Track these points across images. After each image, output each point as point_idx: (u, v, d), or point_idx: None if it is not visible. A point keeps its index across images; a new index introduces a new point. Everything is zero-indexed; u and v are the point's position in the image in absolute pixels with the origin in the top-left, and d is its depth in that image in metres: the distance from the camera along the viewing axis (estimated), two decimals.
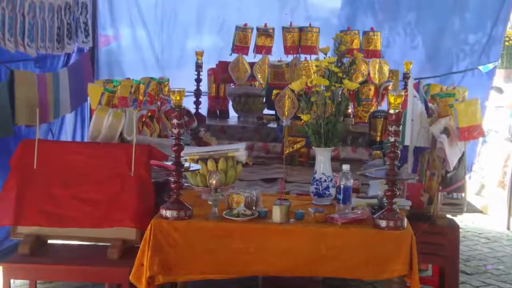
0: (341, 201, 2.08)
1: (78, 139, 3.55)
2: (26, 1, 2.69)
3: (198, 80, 3.48)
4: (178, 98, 1.99)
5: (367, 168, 2.56)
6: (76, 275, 2.18)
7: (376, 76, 3.40)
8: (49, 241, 2.31)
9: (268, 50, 3.54)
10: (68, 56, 3.35)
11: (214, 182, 2.06)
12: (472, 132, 2.30)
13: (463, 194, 2.31)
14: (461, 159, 2.32)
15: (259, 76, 3.53)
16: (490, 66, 3.80)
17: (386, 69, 3.42)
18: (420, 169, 2.40)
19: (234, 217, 2.00)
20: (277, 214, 1.99)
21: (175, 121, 1.99)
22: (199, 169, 2.18)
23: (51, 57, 3.15)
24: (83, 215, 2.20)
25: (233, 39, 3.57)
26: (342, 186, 2.07)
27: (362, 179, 2.44)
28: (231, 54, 3.57)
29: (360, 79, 3.35)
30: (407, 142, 2.33)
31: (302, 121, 2.26)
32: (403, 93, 1.98)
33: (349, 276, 2.06)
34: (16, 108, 2.58)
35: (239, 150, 2.31)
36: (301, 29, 3.52)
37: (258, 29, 3.57)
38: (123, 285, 2.11)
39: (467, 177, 2.50)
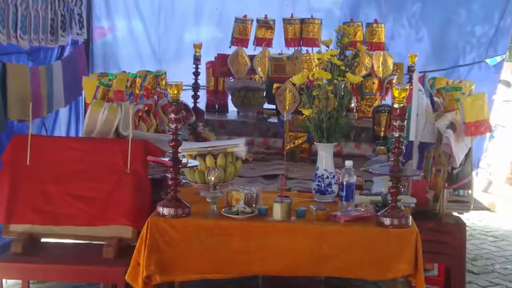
0: (343, 198, 2.04)
1: (72, 134, 3.53)
2: None
3: (196, 74, 3.43)
4: (175, 92, 1.95)
5: (370, 164, 2.53)
6: (70, 274, 2.14)
7: (380, 69, 3.35)
8: (43, 240, 2.27)
9: (268, 43, 3.50)
10: (62, 48, 3.32)
11: (212, 178, 2.02)
12: (479, 127, 2.24)
13: (469, 191, 2.26)
14: (467, 155, 2.27)
15: (259, 69, 3.48)
16: (498, 59, 3.76)
17: (390, 62, 3.37)
18: (425, 165, 2.35)
19: (233, 215, 1.96)
20: (277, 211, 1.95)
21: (172, 115, 1.96)
22: (197, 165, 2.14)
23: (45, 49, 3.12)
24: (78, 213, 2.17)
25: (232, 31, 3.51)
26: (345, 183, 2.03)
27: (365, 175, 2.40)
28: (230, 47, 3.52)
29: (364, 72, 3.31)
30: (411, 137, 2.28)
31: (304, 115, 2.21)
32: (407, 87, 1.95)
33: (352, 275, 2.02)
34: (8, 102, 2.54)
35: (239, 146, 2.27)
36: (302, 21, 3.47)
37: (258, 20, 3.52)
38: (119, 285, 2.07)
39: (474, 173, 2.46)
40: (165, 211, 1.95)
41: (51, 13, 3.00)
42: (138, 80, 2.72)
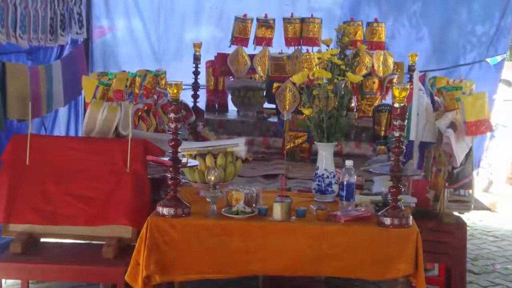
0: (344, 198, 2.03)
1: (72, 134, 3.53)
2: None
3: (196, 73, 3.41)
4: (175, 91, 1.95)
5: (371, 164, 2.52)
6: (69, 274, 2.13)
7: (380, 68, 3.34)
8: (42, 240, 2.26)
9: (268, 42, 3.49)
10: (62, 48, 3.32)
11: (212, 178, 2.01)
12: (479, 127, 2.24)
13: (470, 191, 2.26)
14: (468, 155, 2.26)
15: (259, 69, 3.47)
16: (499, 58, 3.76)
17: (390, 61, 3.36)
18: (426, 165, 2.35)
19: (233, 215, 1.95)
20: (277, 211, 1.95)
21: (172, 115, 1.95)
22: (197, 165, 2.13)
23: (44, 49, 3.12)
24: (77, 213, 2.16)
25: (232, 30, 3.50)
26: (345, 183, 2.02)
27: (365, 175, 2.40)
28: (230, 46, 3.51)
29: (364, 71, 3.30)
30: (412, 137, 2.28)
31: (304, 115, 2.20)
32: (408, 86, 1.94)
33: (352, 275, 2.01)
34: (8, 102, 2.53)
35: (239, 145, 2.26)
36: (302, 20, 3.46)
37: (258, 20, 3.51)
38: (119, 285, 2.06)
39: (474, 173, 2.44)
40: (165, 211, 1.94)
41: (51, 12, 3.00)
42: (138, 79, 2.71)
